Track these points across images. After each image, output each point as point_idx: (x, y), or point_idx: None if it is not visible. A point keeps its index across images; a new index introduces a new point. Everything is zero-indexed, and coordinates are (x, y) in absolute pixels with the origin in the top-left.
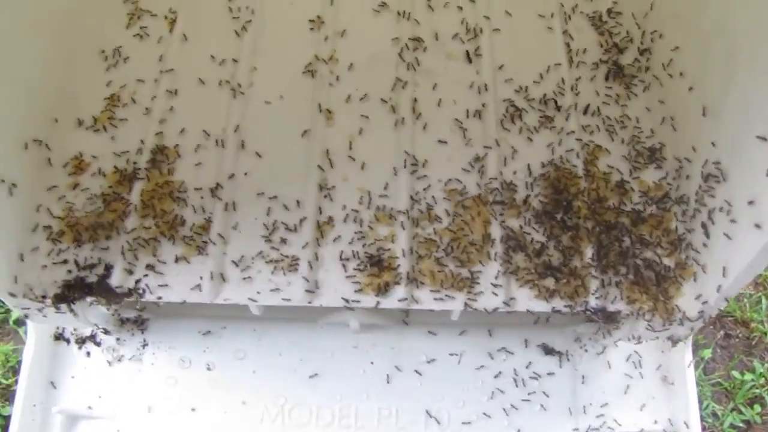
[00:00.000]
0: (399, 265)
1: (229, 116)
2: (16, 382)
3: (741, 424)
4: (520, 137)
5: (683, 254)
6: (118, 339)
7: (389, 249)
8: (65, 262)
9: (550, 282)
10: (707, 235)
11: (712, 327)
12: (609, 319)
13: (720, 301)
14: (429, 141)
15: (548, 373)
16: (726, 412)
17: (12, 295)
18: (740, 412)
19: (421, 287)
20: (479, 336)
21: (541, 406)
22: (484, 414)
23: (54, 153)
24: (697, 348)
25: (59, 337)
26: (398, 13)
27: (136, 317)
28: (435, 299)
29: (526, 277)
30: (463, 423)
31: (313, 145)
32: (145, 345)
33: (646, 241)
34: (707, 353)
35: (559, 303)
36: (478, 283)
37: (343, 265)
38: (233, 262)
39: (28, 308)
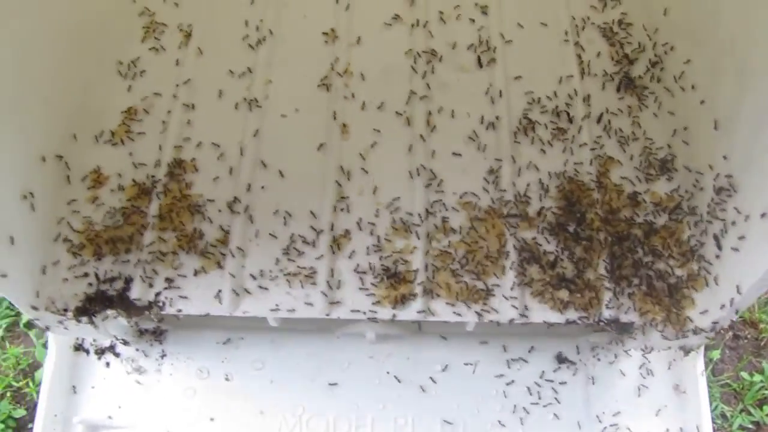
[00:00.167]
0: (415, 278)
1: (245, 129)
2: (27, 384)
3: (750, 426)
4: (534, 149)
5: (695, 265)
6: (137, 349)
7: (405, 261)
8: (86, 275)
9: (564, 294)
10: (719, 246)
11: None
12: (622, 330)
13: (732, 313)
14: (443, 153)
15: (561, 382)
16: (735, 413)
17: (34, 308)
18: (749, 414)
19: (437, 299)
20: (493, 345)
21: (555, 414)
22: (499, 422)
23: (72, 167)
24: (705, 349)
25: (79, 347)
26: (411, 26)
27: (155, 328)
28: (451, 311)
29: (541, 288)
30: None
31: (328, 159)
32: (163, 356)
33: (659, 252)
34: (716, 354)
35: (573, 314)
36: (493, 295)
37: (360, 278)
38: (251, 275)
39: (50, 321)
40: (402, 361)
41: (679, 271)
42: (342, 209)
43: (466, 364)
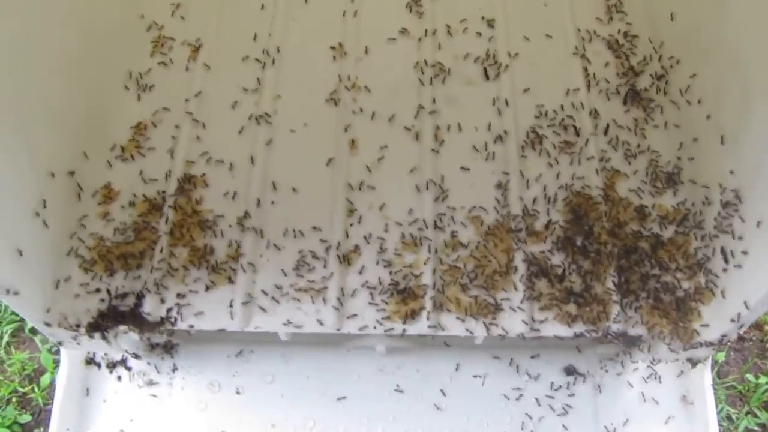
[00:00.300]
0: (425, 293)
1: (254, 145)
2: (33, 390)
3: (756, 428)
4: (541, 163)
5: (702, 278)
6: (148, 363)
7: (415, 276)
8: (98, 291)
9: (572, 307)
10: (726, 260)
11: None
12: (630, 343)
13: (739, 326)
14: (452, 168)
15: (570, 394)
16: (741, 415)
17: (47, 324)
18: (755, 416)
19: (446, 314)
20: (502, 357)
21: (563, 426)
22: None
23: (83, 183)
24: None
25: (90, 361)
26: (419, 39)
27: (166, 342)
28: (461, 326)
29: (549, 302)
30: None
31: (338, 174)
32: (175, 369)
33: (666, 265)
34: (721, 356)
35: (581, 328)
36: (502, 309)
37: (370, 293)
38: (262, 290)
39: (62, 336)
40: (412, 374)
41: (686, 284)
42: (351, 224)
43: (475, 377)
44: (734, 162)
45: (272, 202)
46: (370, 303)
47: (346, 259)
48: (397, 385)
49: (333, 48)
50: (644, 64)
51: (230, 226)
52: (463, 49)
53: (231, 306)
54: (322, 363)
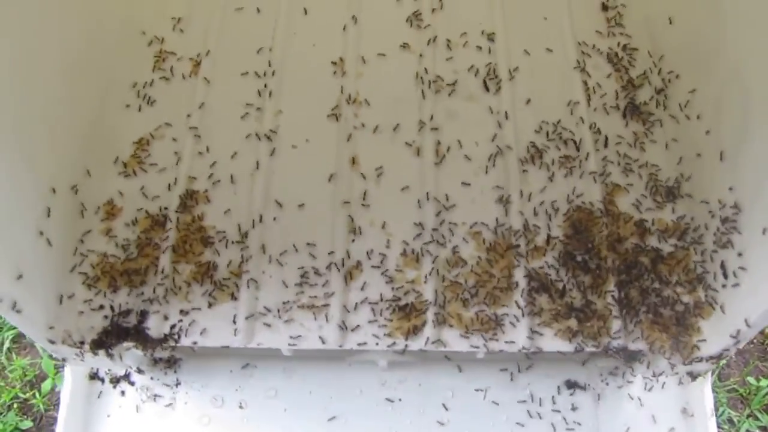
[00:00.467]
0: (427, 309)
1: (256, 160)
2: (34, 396)
3: (757, 430)
4: (541, 177)
5: (702, 293)
6: (151, 378)
7: (417, 292)
8: (101, 308)
9: (573, 322)
10: (725, 275)
11: None
12: (630, 357)
13: (738, 342)
14: (453, 183)
15: (571, 407)
16: (742, 418)
17: (51, 341)
18: (756, 419)
19: (448, 329)
20: (503, 371)
21: None
22: None
23: (86, 199)
24: None
25: (94, 376)
26: (420, 54)
27: (169, 357)
28: (462, 341)
29: (550, 318)
30: None
31: (339, 189)
32: (178, 384)
33: (666, 279)
34: (722, 359)
35: (582, 343)
36: (503, 325)
37: (372, 309)
38: (265, 307)
39: (66, 353)
40: (414, 388)
41: (686, 299)
42: (353, 240)
43: (476, 390)
44: (733, 178)
45: (274, 218)
46: (371, 319)
47: (348, 275)
48: (399, 400)
49: (334, 63)
50: (644, 78)
51: (232, 242)
52: (464, 63)
53: (234, 322)
54: (324, 377)
